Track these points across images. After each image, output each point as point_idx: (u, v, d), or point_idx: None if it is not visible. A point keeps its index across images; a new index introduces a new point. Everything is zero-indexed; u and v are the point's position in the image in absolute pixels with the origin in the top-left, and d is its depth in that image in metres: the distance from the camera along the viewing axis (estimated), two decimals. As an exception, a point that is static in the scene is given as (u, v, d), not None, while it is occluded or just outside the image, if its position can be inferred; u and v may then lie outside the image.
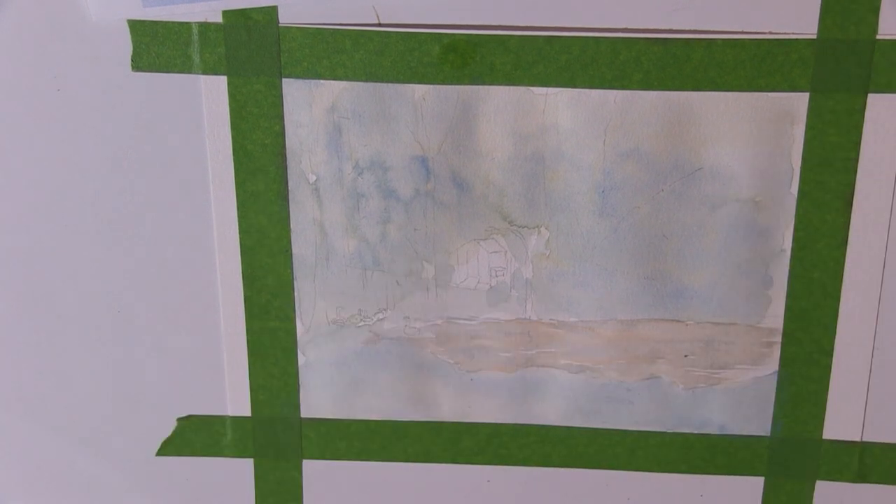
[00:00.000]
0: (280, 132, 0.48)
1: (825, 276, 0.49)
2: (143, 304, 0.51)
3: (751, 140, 0.47)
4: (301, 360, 0.52)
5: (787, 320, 0.50)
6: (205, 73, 0.47)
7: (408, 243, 0.49)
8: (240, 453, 0.54)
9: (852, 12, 0.45)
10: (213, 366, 0.52)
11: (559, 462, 0.54)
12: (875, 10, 0.45)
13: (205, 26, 0.46)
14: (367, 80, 0.47)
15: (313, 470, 0.54)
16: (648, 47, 0.46)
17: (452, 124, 0.47)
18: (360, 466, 0.54)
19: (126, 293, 0.51)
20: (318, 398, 0.52)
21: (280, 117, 0.48)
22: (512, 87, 0.46)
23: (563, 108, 0.47)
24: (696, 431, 0.52)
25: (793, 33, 0.45)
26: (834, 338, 0.50)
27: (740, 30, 0.46)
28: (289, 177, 0.49)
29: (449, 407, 0.52)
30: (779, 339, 0.50)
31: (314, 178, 0.48)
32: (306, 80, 0.47)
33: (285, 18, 0.46)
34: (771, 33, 0.45)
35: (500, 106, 0.47)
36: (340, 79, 0.47)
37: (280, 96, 0.47)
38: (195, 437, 0.54)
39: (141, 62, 0.47)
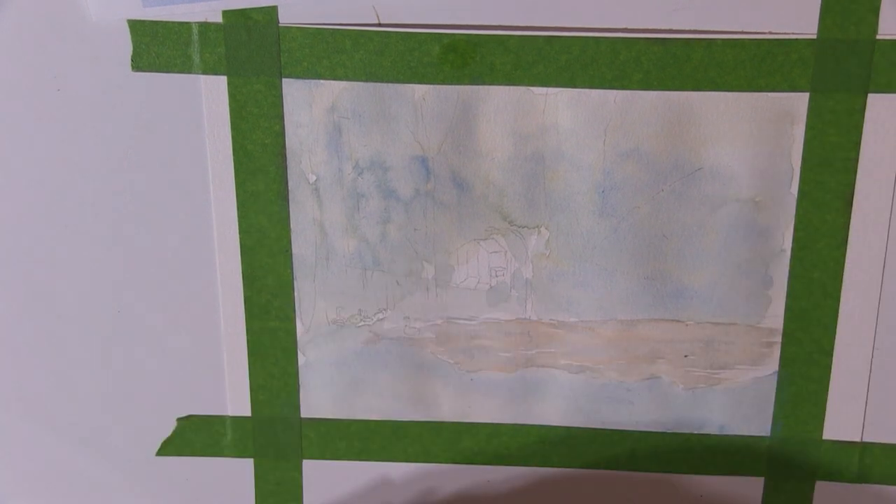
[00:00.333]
0: (280, 132, 0.48)
1: (825, 276, 0.49)
2: (143, 304, 0.51)
3: (751, 140, 0.47)
4: (301, 360, 0.52)
5: (787, 320, 0.50)
6: (205, 73, 0.47)
7: (408, 243, 0.49)
8: (240, 453, 0.54)
9: (852, 12, 0.45)
10: (213, 366, 0.52)
11: (559, 462, 0.54)
12: (875, 10, 0.45)
13: (205, 26, 0.46)
14: (367, 80, 0.47)
15: (313, 470, 0.54)
16: (648, 47, 0.46)
17: (452, 124, 0.47)
18: (360, 466, 0.54)
19: (126, 293, 0.51)
20: (318, 398, 0.52)
21: (280, 117, 0.48)
22: (512, 87, 0.47)
23: (563, 108, 0.47)
24: (695, 432, 0.52)
25: (793, 33, 0.45)
26: (834, 338, 0.50)
27: (740, 30, 0.46)
28: (289, 177, 0.49)
29: (449, 407, 0.53)
30: (779, 339, 0.50)
31: (314, 178, 0.49)
32: (306, 80, 0.47)
33: (285, 18, 0.46)
34: (771, 33, 0.46)
35: (500, 106, 0.47)
36: (340, 79, 0.47)
37: (280, 96, 0.47)
38: (195, 437, 0.54)
39: (141, 62, 0.47)
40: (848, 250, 0.48)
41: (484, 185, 0.48)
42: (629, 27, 0.46)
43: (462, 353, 0.51)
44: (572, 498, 0.54)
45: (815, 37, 0.45)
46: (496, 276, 0.50)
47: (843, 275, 0.49)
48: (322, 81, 0.47)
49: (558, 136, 0.47)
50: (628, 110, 0.47)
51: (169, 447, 0.54)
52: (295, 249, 0.50)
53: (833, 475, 0.52)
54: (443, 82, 0.47)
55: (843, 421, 0.51)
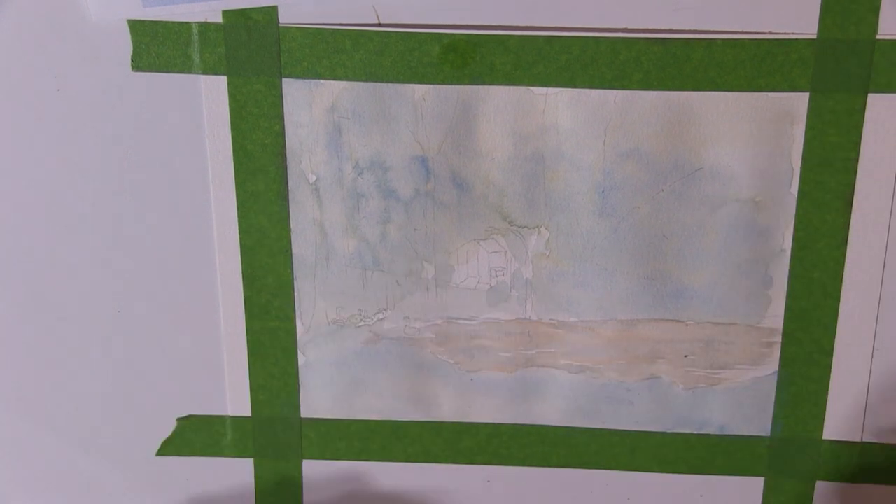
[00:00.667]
0: (280, 132, 0.48)
1: (825, 276, 0.49)
2: (143, 304, 0.51)
3: (751, 140, 0.47)
4: (301, 360, 0.52)
5: (787, 320, 0.50)
6: (205, 73, 0.47)
7: (408, 243, 0.49)
8: (240, 453, 0.54)
9: (852, 12, 0.45)
10: (213, 366, 0.52)
11: (559, 462, 0.54)
12: (875, 10, 0.45)
13: (205, 26, 0.46)
14: (367, 80, 0.47)
15: (313, 470, 0.54)
16: (648, 47, 0.46)
17: (452, 124, 0.47)
18: (360, 466, 0.54)
19: (126, 293, 0.51)
20: (318, 398, 0.52)
21: (280, 117, 0.48)
22: (512, 87, 0.47)
23: (563, 108, 0.47)
24: (695, 431, 0.52)
25: (793, 33, 0.45)
26: (834, 338, 0.50)
27: (740, 30, 0.46)
28: (289, 177, 0.49)
29: (449, 407, 0.53)
30: (779, 339, 0.50)
31: (314, 178, 0.49)
32: (306, 80, 0.47)
33: (285, 18, 0.46)
34: (771, 33, 0.46)
35: (500, 106, 0.47)
36: (340, 79, 0.47)
37: (280, 96, 0.47)
38: (195, 437, 0.54)
39: (141, 62, 0.47)
40: (848, 250, 0.48)
41: (484, 185, 0.48)
42: (629, 27, 0.46)
43: (462, 353, 0.51)
44: (572, 498, 0.54)
45: (815, 37, 0.45)
46: (496, 276, 0.50)
47: (843, 275, 0.49)
48: (322, 81, 0.47)
49: (558, 136, 0.47)
50: (628, 110, 0.47)
51: (169, 447, 0.54)
52: (295, 249, 0.50)
53: (833, 475, 0.52)
54: (443, 82, 0.47)
55: (842, 421, 0.51)
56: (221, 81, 0.47)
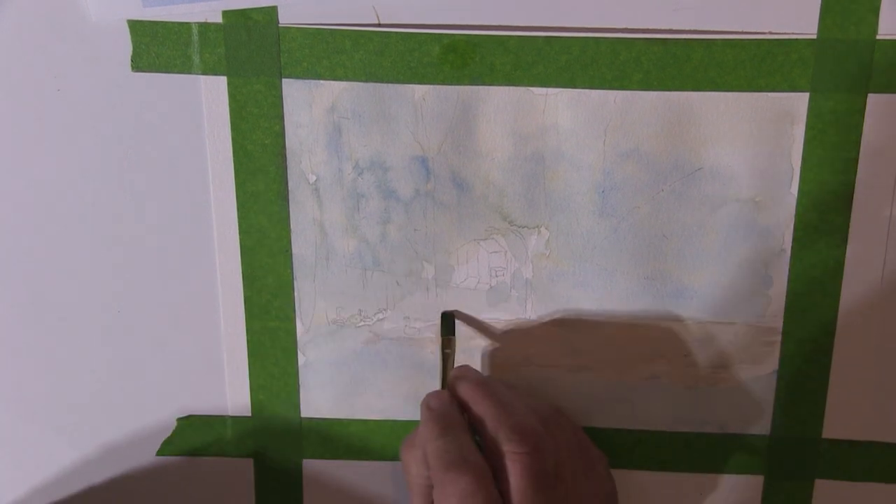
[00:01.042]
0: (280, 132, 0.48)
1: (825, 276, 0.49)
2: (143, 304, 0.51)
3: (751, 140, 0.47)
4: (301, 360, 0.52)
5: (787, 320, 0.50)
6: (205, 73, 0.47)
7: (408, 243, 0.49)
8: (240, 453, 0.54)
9: (852, 12, 0.45)
10: (213, 366, 0.52)
11: (559, 462, 0.54)
12: (875, 10, 0.45)
13: (205, 26, 0.46)
14: (367, 81, 0.47)
15: (313, 470, 0.54)
16: (648, 47, 0.46)
17: (452, 124, 0.47)
18: (360, 466, 0.54)
19: (126, 293, 0.51)
20: (318, 398, 0.52)
21: (280, 117, 0.48)
22: (512, 88, 0.47)
23: (563, 108, 0.47)
24: (695, 430, 0.52)
25: (793, 33, 0.45)
26: (834, 338, 0.50)
27: (740, 30, 0.46)
28: (289, 177, 0.49)
29: (449, 407, 0.53)
30: (779, 338, 0.50)
31: (314, 178, 0.49)
32: (306, 80, 0.47)
33: (285, 18, 0.46)
34: (771, 33, 0.46)
35: (500, 106, 0.47)
36: (340, 79, 0.47)
37: (280, 96, 0.47)
38: (195, 436, 0.54)
39: (141, 62, 0.47)
40: (848, 250, 0.48)
41: (484, 186, 0.48)
42: (629, 27, 0.46)
43: (461, 352, 0.51)
44: (572, 497, 0.54)
45: (815, 37, 0.45)
46: (496, 276, 0.50)
47: (842, 275, 0.49)
48: (322, 81, 0.47)
49: (558, 137, 0.47)
50: (628, 110, 0.47)
51: (169, 447, 0.54)
52: (295, 249, 0.50)
53: (832, 474, 0.53)
54: (443, 82, 0.47)
55: (842, 420, 0.51)
56: (221, 82, 0.47)
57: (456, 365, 0.49)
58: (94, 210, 0.49)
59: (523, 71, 0.46)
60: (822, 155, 0.47)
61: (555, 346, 0.51)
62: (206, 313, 0.51)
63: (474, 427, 0.45)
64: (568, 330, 0.50)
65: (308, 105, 0.47)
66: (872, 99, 0.46)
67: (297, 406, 0.53)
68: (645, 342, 0.50)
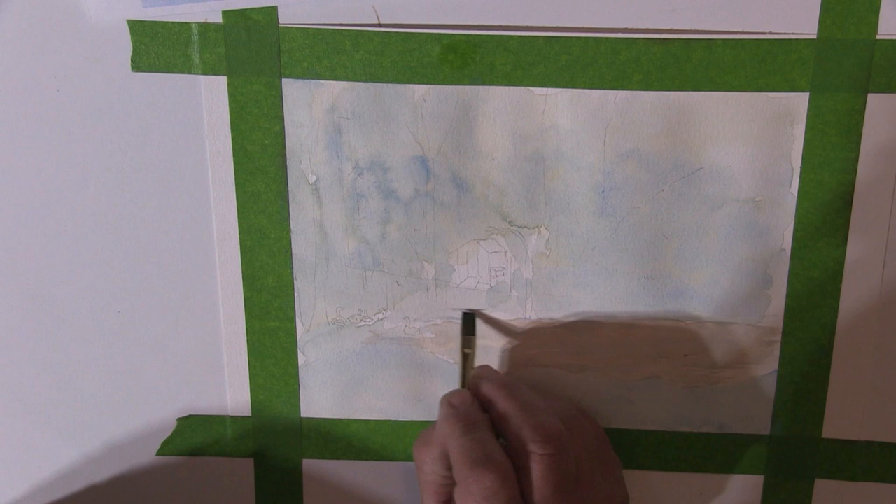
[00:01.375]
0: (280, 132, 0.48)
1: (825, 276, 0.49)
2: (143, 304, 0.51)
3: (751, 140, 0.47)
4: (301, 360, 0.52)
5: (787, 320, 0.50)
6: (205, 73, 0.47)
7: (408, 243, 0.49)
8: (240, 453, 0.54)
9: (852, 12, 0.45)
10: (213, 366, 0.52)
11: (559, 461, 0.54)
12: (875, 10, 0.45)
13: (205, 26, 0.46)
14: (367, 81, 0.47)
15: (313, 470, 0.54)
16: (648, 47, 0.46)
17: (452, 124, 0.47)
18: (360, 466, 0.54)
19: (126, 293, 0.51)
20: (318, 398, 0.52)
21: (280, 117, 0.48)
22: (512, 88, 0.47)
23: (563, 108, 0.47)
24: (695, 430, 0.52)
25: (793, 33, 0.45)
26: (834, 337, 0.50)
27: (740, 30, 0.46)
28: (289, 177, 0.49)
29: (449, 406, 0.53)
30: (779, 338, 0.50)
31: (314, 178, 0.49)
32: (306, 80, 0.47)
33: (285, 18, 0.46)
34: (771, 33, 0.46)
35: (500, 106, 0.47)
36: (340, 79, 0.47)
37: (280, 96, 0.47)
38: (195, 436, 0.54)
39: (141, 62, 0.47)
40: (848, 250, 0.48)
41: (484, 186, 0.48)
42: (629, 27, 0.46)
43: (460, 352, 0.51)
44: (572, 497, 0.54)
45: (815, 37, 0.45)
46: (496, 276, 0.50)
47: (842, 275, 0.49)
48: (322, 82, 0.47)
49: (558, 137, 0.47)
50: (628, 111, 0.47)
51: (169, 447, 0.54)
52: (295, 249, 0.50)
53: (832, 473, 0.52)
54: (443, 82, 0.47)
55: (842, 419, 0.51)
56: (221, 81, 0.47)
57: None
58: (93, 210, 0.49)
59: (523, 71, 0.46)
60: (822, 155, 0.47)
61: (555, 346, 0.51)
62: (206, 313, 0.51)
63: (496, 426, 0.45)
64: (568, 330, 0.50)
65: (308, 105, 0.47)
66: (872, 99, 0.46)
67: (297, 406, 0.53)
68: (645, 342, 0.50)
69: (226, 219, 0.49)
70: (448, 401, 0.46)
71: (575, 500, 0.43)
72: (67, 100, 0.48)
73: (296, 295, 0.50)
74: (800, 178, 0.47)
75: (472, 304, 0.50)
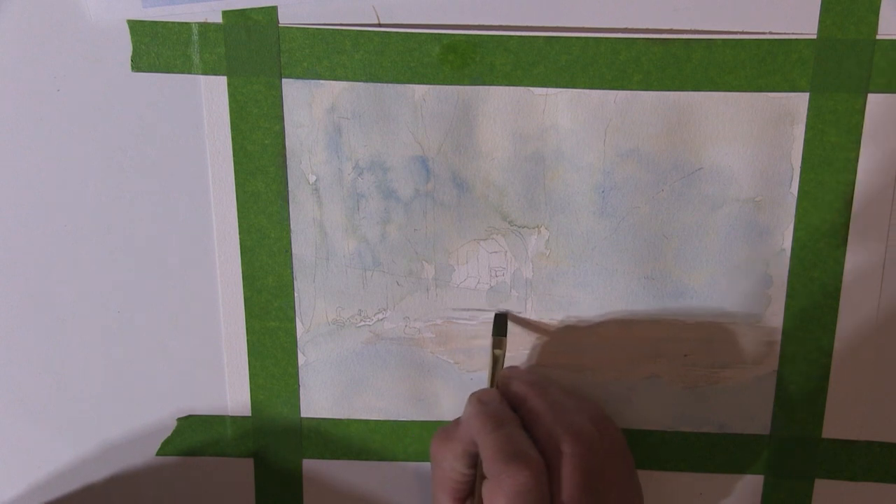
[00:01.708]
0: (280, 132, 0.48)
1: (825, 276, 0.49)
2: (143, 304, 0.51)
3: (751, 140, 0.47)
4: (301, 360, 0.52)
5: (786, 320, 0.50)
6: (205, 73, 0.47)
7: (408, 243, 0.49)
8: (240, 453, 0.54)
9: (852, 12, 0.45)
10: (213, 366, 0.52)
11: (559, 461, 0.54)
12: (875, 10, 0.45)
13: (205, 26, 0.46)
14: (367, 81, 0.47)
15: (313, 470, 0.54)
16: (648, 47, 0.46)
17: (452, 124, 0.47)
18: (360, 466, 0.54)
19: (126, 293, 0.51)
20: (318, 398, 0.52)
21: (280, 117, 0.48)
22: (512, 88, 0.47)
23: (563, 108, 0.47)
24: (695, 430, 0.52)
25: (793, 33, 0.45)
26: (834, 337, 0.50)
27: (740, 30, 0.46)
28: (289, 177, 0.49)
29: (449, 407, 0.52)
30: (779, 338, 0.50)
31: (314, 178, 0.49)
32: (306, 80, 0.47)
33: (285, 18, 0.46)
34: (771, 33, 0.46)
35: (500, 106, 0.47)
36: (340, 79, 0.47)
37: (280, 96, 0.47)
38: (195, 436, 0.54)
39: (141, 62, 0.47)
40: (848, 250, 0.48)
41: (484, 186, 0.48)
42: (629, 27, 0.46)
43: (462, 353, 0.51)
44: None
45: (815, 37, 0.45)
46: (496, 276, 0.50)
47: (842, 275, 0.49)
48: (322, 81, 0.47)
49: (558, 137, 0.47)
50: (628, 111, 0.47)
51: (169, 447, 0.54)
52: (295, 249, 0.50)
53: (832, 473, 0.53)
54: (443, 82, 0.47)
55: (842, 419, 0.51)
56: (221, 81, 0.47)
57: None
58: (93, 210, 0.49)
59: (523, 71, 0.46)
60: (822, 155, 0.47)
61: (555, 346, 0.51)
62: (206, 313, 0.51)
63: (526, 424, 0.45)
64: (568, 330, 0.50)
65: (308, 105, 0.47)
66: (872, 99, 0.46)
67: (297, 406, 0.53)
68: (645, 342, 0.50)
69: (226, 219, 0.49)
70: (477, 398, 0.46)
71: (601, 501, 0.43)
72: (67, 100, 0.48)
73: (296, 295, 0.50)
74: (800, 178, 0.47)
75: (473, 304, 0.50)
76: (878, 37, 0.45)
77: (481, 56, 0.46)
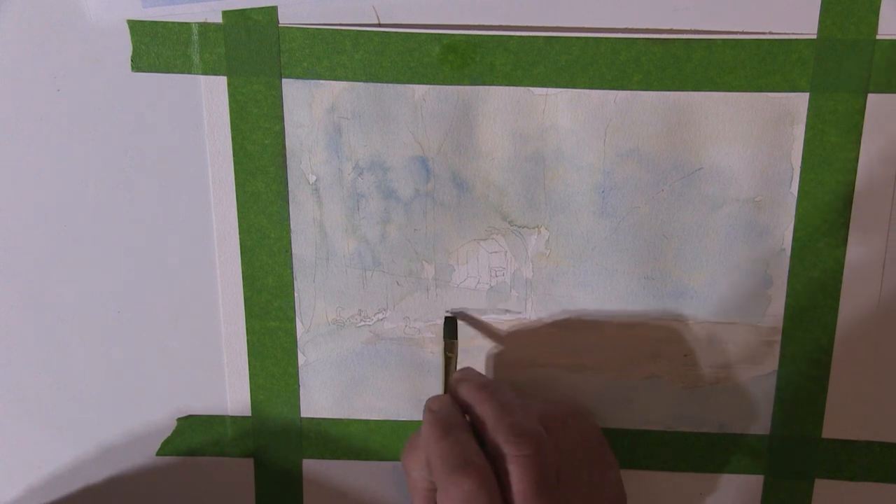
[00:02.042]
0: (280, 132, 0.48)
1: (825, 276, 0.49)
2: (143, 304, 0.51)
3: (751, 140, 0.47)
4: (301, 360, 0.52)
5: (786, 320, 0.50)
6: (205, 73, 0.47)
7: (408, 243, 0.49)
8: (240, 453, 0.54)
9: (852, 12, 0.45)
10: (213, 366, 0.52)
11: (559, 461, 0.54)
12: (875, 10, 0.45)
13: (205, 26, 0.46)
14: (367, 81, 0.47)
15: (313, 470, 0.54)
16: (648, 47, 0.46)
17: (452, 124, 0.47)
18: (360, 466, 0.54)
19: (126, 293, 0.51)
20: (318, 398, 0.52)
21: (280, 117, 0.48)
22: (512, 88, 0.47)
23: (563, 108, 0.47)
24: (695, 430, 0.52)
25: (793, 33, 0.45)
26: (834, 337, 0.50)
27: (740, 30, 0.46)
28: (289, 177, 0.49)
29: (449, 406, 0.53)
30: (779, 338, 0.50)
31: (314, 178, 0.49)
32: (306, 81, 0.47)
33: (285, 18, 0.46)
34: (771, 33, 0.46)
35: (500, 106, 0.47)
36: (340, 79, 0.47)
37: (280, 96, 0.47)
38: (195, 436, 0.54)
39: (141, 62, 0.47)
40: (848, 250, 0.48)
41: (484, 186, 0.48)
42: (629, 27, 0.46)
43: (462, 352, 0.51)
44: (572, 497, 0.54)
45: (815, 37, 0.45)
46: (496, 276, 0.50)
47: (843, 275, 0.49)
48: (322, 82, 0.47)
49: (558, 137, 0.47)
50: (628, 111, 0.47)
51: (169, 447, 0.54)
52: (295, 249, 0.50)
53: (832, 473, 0.53)
54: (443, 82, 0.47)
55: (842, 419, 0.51)
56: (221, 81, 0.47)
57: (458, 368, 0.49)
58: (93, 210, 0.49)
59: (523, 71, 0.46)
60: (822, 155, 0.47)
61: (555, 346, 0.51)
62: (206, 313, 0.51)
63: (476, 429, 0.44)
64: (568, 330, 0.50)
65: (308, 105, 0.47)
66: (872, 99, 0.46)
67: (297, 406, 0.53)
68: (645, 342, 0.50)
69: (226, 219, 0.49)
70: (428, 406, 0.46)
71: (556, 501, 0.42)
72: (67, 100, 0.48)
73: (296, 295, 0.50)
74: (800, 178, 0.47)
75: (473, 304, 0.50)
76: (878, 37, 0.45)
77: (481, 56, 0.46)
